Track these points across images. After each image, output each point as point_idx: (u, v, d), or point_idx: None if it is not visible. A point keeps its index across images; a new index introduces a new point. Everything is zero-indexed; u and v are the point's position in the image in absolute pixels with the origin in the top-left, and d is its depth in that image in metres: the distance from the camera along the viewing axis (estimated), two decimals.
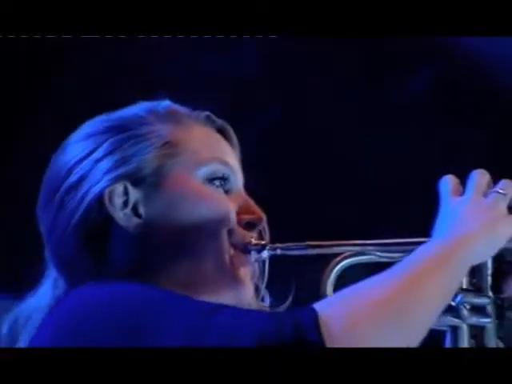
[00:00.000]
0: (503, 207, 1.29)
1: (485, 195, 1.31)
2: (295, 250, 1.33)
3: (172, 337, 1.15)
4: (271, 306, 1.39)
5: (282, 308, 1.37)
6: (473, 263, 1.26)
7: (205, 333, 1.14)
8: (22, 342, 1.34)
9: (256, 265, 1.35)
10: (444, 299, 1.24)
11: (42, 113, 4.14)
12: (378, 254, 1.30)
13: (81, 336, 1.18)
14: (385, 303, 1.18)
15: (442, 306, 1.23)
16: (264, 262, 1.32)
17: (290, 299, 1.38)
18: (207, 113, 1.42)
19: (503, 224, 1.28)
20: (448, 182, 1.34)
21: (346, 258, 1.33)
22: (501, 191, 1.30)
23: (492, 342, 1.28)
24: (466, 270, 1.26)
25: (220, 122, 1.43)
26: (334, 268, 1.31)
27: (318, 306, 1.14)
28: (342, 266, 1.32)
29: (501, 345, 1.29)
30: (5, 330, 1.37)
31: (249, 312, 1.22)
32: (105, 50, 4.55)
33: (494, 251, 1.27)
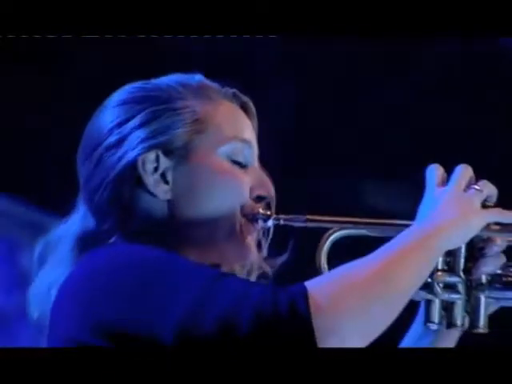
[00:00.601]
0: (478, 202, 1.41)
1: (465, 189, 1.42)
2: (296, 221, 1.46)
3: (179, 301, 1.26)
4: (270, 259, 1.51)
5: (280, 260, 1.51)
6: (448, 248, 1.38)
7: (209, 302, 1.25)
8: (49, 266, 1.46)
9: (261, 232, 1.46)
10: (421, 278, 1.35)
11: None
12: (370, 230, 1.45)
13: (103, 291, 1.31)
14: (369, 282, 1.28)
15: (419, 284, 1.34)
16: (269, 229, 1.44)
17: (286, 255, 1.51)
18: (234, 90, 1.54)
19: (476, 217, 1.39)
20: (434, 172, 1.45)
21: (338, 230, 1.43)
22: (478, 188, 1.41)
23: (460, 315, 1.40)
24: (441, 253, 1.39)
25: (244, 98, 1.55)
26: (327, 239, 1.42)
27: (308, 283, 1.26)
28: (334, 238, 1.43)
29: (467, 319, 1.40)
30: (37, 252, 1.47)
31: (250, 286, 1.33)
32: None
33: (467, 239, 1.39)
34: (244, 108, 1.54)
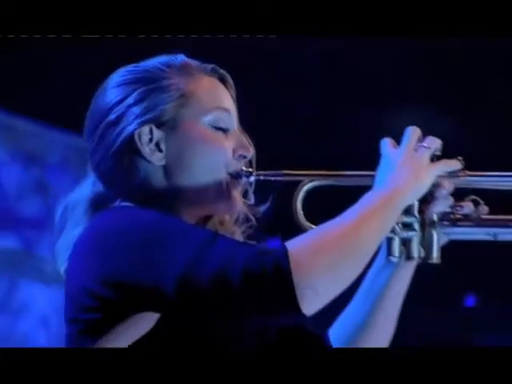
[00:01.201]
0: (427, 159, 1.56)
1: (415, 148, 1.58)
2: (275, 176, 1.63)
3: (178, 259, 1.41)
4: (254, 209, 1.68)
5: (262, 209, 1.68)
6: (405, 205, 1.56)
7: (205, 259, 1.40)
8: (69, 226, 1.63)
9: (245, 186, 1.63)
10: (385, 233, 1.53)
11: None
12: (336, 180, 1.60)
13: (111, 249, 1.48)
14: (340, 241, 1.44)
15: (383, 237, 1.53)
16: (251, 184, 1.61)
17: (267, 205, 1.67)
18: (212, 65, 1.69)
19: (427, 174, 1.55)
20: (386, 141, 1.61)
21: (310, 182, 1.61)
22: (425, 145, 1.58)
23: (416, 249, 1.59)
24: (401, 210, 1.55)
25: (222, 71, 1.70)
26: (301, 189, 1.61)
27: (288, 243, 1.41)
28: (307, 188, 1.61)
29: (422, 251, 1.57)
30: (58, 213, 1.65)
31: (239, 246, 1.48)
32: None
33: (422, 194, 1.56)
34: (222, 80, 1.69)
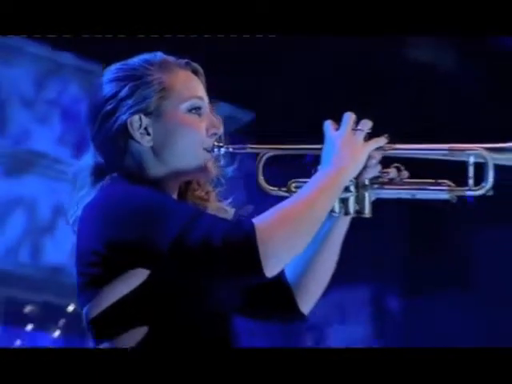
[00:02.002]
0: (361, 139, 1.84)
1: (352, 131, 1.85)
2: (240, 149, 1.92)
3: (171, 228, 1.67)
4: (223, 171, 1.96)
5: (229, 172, 1.96)
6: (348, 180, 1.84)
7: (190, 231, 1.66)
8: (76, 189, 1.91)
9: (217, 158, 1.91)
10: (331, 205, 1.82)
11: None
12: (290, 151, 1.94)
13: (113, 218, 1.74)
14: (296, 216, 1.72)
15: (330, 208, 1.81)
16: (223, 155, 1.89)
17: (233, 169, 1.95)
18: (186, 60, 1.95)
19: (362, 153, 1.84)
20: (329, 124, 1.88)
21: (269, 152, 1.92)
22: (360, 128, 1.86)
23: (352, 206, 1.89)
24: (344, 185, 1.83)
25: (194, 64, 1.95)
26: (261, 158, 1.91)
27: (255, 219, 1.69)
28: (266, 157, 1.91)
29: (356, 208, 1.89)
30: (70, 178, 1.92)
31: (218, 221, 1.73)
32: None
33: (359, 169, 1.84)
34: (195, 72, 1.94)
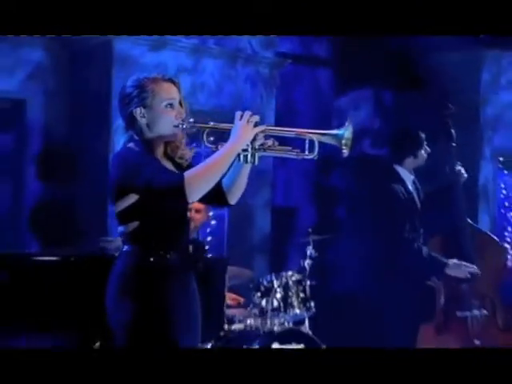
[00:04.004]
0: (251, 126, 2.91)
1: (247, 122, 2.91)
2: (191, 127, 3.00)
3: (145, 176, 2.85)
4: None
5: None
6: (239, 149, 2.91)
7: (153, 179, 2.82)
8: (119, 134, 3.08)
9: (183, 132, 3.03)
10: (229, 161, 2.92)
11: None
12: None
13: (122, 170, 2.96)
14: (207, 170, 2.89)
15: (227, 166, 2.92)
16: (186, 127, 2.99)
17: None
18: (164, 74, 3.05)
19: (249, 135, 2.92)
20: (237, 114, 2.94)
21: (206, 130, 2.98)
22: (251, 120, 2.90)
23: (249, 157, 2.97)
24: (237, 152, 2.92)
25: (173, 78, 3.05)
26: (204, 132, 2.99)
27: (186, 172, 2.86)
28: (206, 132, 2.99)
29: (251, 160, 3.00)
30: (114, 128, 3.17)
31: (170, 173, 2.89)
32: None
33: (248, 142, 2.92)
34: (173, 82, 3.04)
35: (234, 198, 3.12)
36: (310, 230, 5.59)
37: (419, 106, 7.59)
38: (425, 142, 5.39)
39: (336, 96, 8.32)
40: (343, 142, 2.96)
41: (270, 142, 3.00)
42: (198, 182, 2.84)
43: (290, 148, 3.05)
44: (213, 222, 7.23)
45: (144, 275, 2.95)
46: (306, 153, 3.00)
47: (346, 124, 2.98)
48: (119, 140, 3.07)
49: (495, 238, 5.74)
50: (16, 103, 6.84)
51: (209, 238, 7.31)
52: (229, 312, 5.22)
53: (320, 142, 3.01)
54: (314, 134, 3.01)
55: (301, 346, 5.08)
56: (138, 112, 3.00)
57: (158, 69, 6.81)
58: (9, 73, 6.68)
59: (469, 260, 5.35)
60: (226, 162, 2.92)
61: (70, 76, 6.98)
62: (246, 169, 3.05)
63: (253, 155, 3.03)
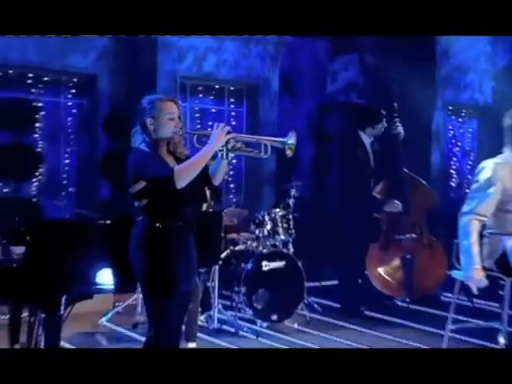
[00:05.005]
0: (223, 133, 2.99)
1: (220, 130, 2.97)
2: (187, 133, 3.37)
3: (156, 173, 2.96)
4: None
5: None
6: (215, 151, 2.98)
7: (157, 174, 2.93)
8: (137, 134, 3.13)
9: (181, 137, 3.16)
10: (207, 159, 2.98)
11: None
12: None
13: (136, 162, 3.03)
14: (190, 167, 2.96)
15: (204, 163, 2.98)
16: (181, 134, 3.12)
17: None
18: (168, 96, 3.12)
19: (222, 140, 3.00)
20: (216, 125, 2.99)
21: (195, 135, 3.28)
22: (224, 130, 2.99)
23: (225, 155, 3.08)
24: (211, 154, 2.97)
25: (174, 98, 3.14)
26: (193, 135, 3.21)
27: (175, 167, 2.94)
28: (196, 136, 3.18)
29: (225, 156, 3.13)
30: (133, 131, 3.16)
31: (167, 168, 2.93)
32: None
33: (221, 145, 2.99)
34: (174, 102, 3.11)
35: (216, 181, 3.24)
36: (292, 177, 5.75)
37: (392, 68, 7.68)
38: (384, 119, 5.56)
39: (330, 60, 8.42)
40: (287, 146, 3.05)
41: (238, 145, 3.11)
42: (183, 174, 2.99)
43: (252, 150, 3.15)
44: (231, 173, 7.43)
45: (152, 237, 3.06)
46: (262, 153, 3.11)
47: (290, 134, 3.04)
48: (137, 139, 3.18)
49: (424, 182, 5.80)
50: (90, 77, 7.01)
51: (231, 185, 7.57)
52: (234, 236, 5.48)
53: (272, 146, 3.10)
54: (267, 141, 3.12)
55: (283, 263, 5.22)
56: (148, 121, 3.12)
57: (191, 50, 7.12)
58: (84, 55, 6.93)
59: (405, 200, 5.58)
60: (204, 159, 3.03)
61: (127, 57, 7.18)
62: (224, 163, 3.16)
63: (227, 154, 3.14)
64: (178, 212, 3.08)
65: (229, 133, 3.02)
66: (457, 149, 9.11)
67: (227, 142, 3.04)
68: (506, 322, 3.57)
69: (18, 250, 3.26)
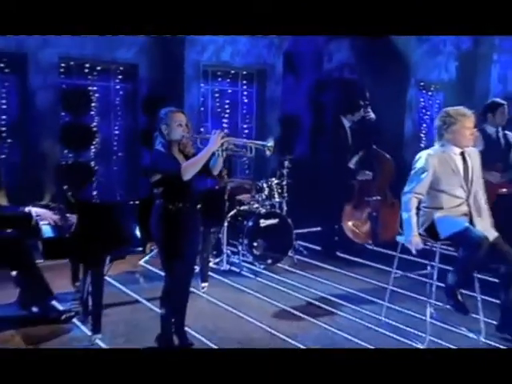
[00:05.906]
0: (219, 137, 3.02)
1: (217, 135, 3.00)
2: (192, 137, 3.22)
3: (166, 167, 3.00)
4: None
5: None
6: (212, 151, 3.01)
7: (171, 171, 2.95)
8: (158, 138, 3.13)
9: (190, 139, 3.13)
10: (206, 158, 2.99)
11: None
12: None
13: (154, 162, 3.07)
14: (194, 164, 2.99)
15: (204, 161, 2.98)
16: (188, 137, 3.12)
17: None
18: (181, 110, 3.11)
19: (217, 142, 3.04)
20: (214, 131, 3.01)
21: (198, 139, 3.29)
22: (222, 133, 3.03)
23: (220, 154, 3.19)
24: (211, 153, 2.99)
25: (182, 110, 3.10)
26: (196, 139, 3.27)
27: (183, 163, 2.94)
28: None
29: (221, 155, 3.24)
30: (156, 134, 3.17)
31: (176, 165, 2.93)
32: None
33: (217, 147, 3.00)
34: (182, 112, 3.11)
35: (215, 172, 3.24)
36: (286, 152, 5.78)
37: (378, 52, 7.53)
38: (362, 109, 5.41)
39: (326, 43, 8.22)
40: (266, 148, 3.09)
41: (230, 146, 3.16)
42: (188, 169, 3.01)
43: (241, 149, 3.19)
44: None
45: (166, 215, 3.11)
46: (248, 153, 3.16)
47: (270, 138, 3.12)
48: (157, 141, 3.19)
49: (388, 156, 5.62)
50: (133, 66, 6.95)
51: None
52: (242, 198, 5.52)
53: (256, 148, 3.15)
54: (251, 143, 3.16)
55: (276, 220, 5.21)
56: (163, 127, 3.13)
57: (211, 43, 7.06)
58: (128, 48, 6.90)
59: (374, 170, 5.57)
60: (205, 158, 3.06)
61: (161, 50, 7.10)
62: (220, 159, 3.18)
63: (222, 153, 3.18)
64: (186, 197, 3.13)
65: (223, 137, 3.05)
66: (426, 117, 8.95)
67: (222, 144, 3.09)
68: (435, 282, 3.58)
69: (71, 218, 3.36)
